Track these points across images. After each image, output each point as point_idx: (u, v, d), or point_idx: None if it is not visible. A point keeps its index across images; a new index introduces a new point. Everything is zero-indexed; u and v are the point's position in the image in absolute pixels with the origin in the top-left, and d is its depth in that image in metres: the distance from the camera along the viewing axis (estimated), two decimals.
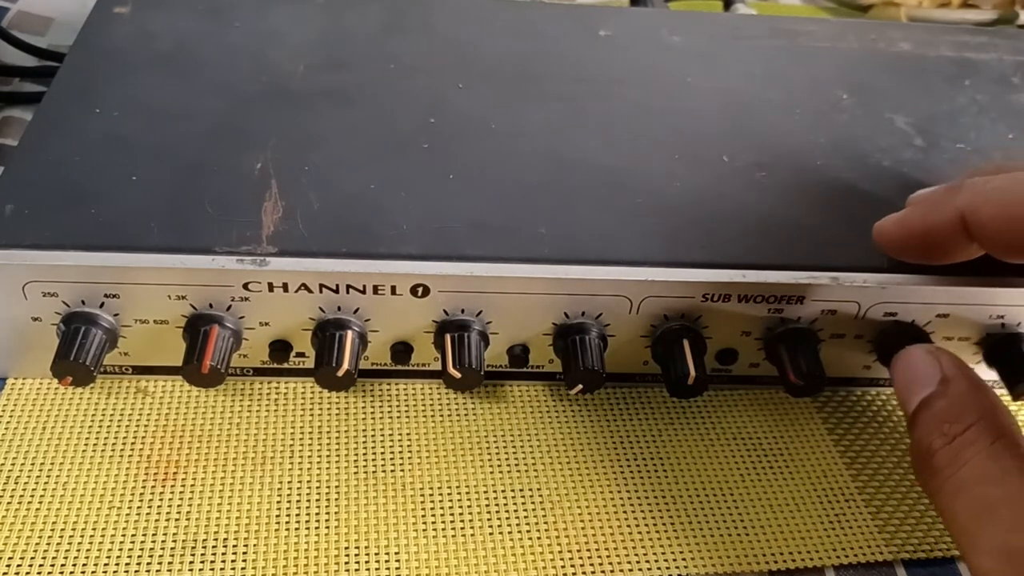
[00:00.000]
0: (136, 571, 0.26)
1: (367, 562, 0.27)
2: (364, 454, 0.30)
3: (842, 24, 0.45)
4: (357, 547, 0.28)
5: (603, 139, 0.34)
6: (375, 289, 0.28)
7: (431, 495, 0.29)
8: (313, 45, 0.37)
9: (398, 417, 0.31)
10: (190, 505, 0.28)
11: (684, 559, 0.28)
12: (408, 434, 0.31)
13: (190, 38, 0.37)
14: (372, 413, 0.31)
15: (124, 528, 0.27)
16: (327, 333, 0.29)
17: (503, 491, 0.29)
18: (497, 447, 0.31)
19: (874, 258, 0.30)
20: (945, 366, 0.27)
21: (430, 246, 0.29)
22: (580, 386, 0.30)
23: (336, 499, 0.29)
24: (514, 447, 0.31)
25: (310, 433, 0.31)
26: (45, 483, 0.28)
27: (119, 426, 0.30)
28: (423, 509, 0.29)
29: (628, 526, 0.29)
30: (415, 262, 0.28)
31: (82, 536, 0.27)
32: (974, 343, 0.32)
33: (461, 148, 0.33)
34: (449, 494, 0.29)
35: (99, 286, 0.28)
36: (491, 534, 0.28)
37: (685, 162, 0.33)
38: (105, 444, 0.30)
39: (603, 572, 0.28)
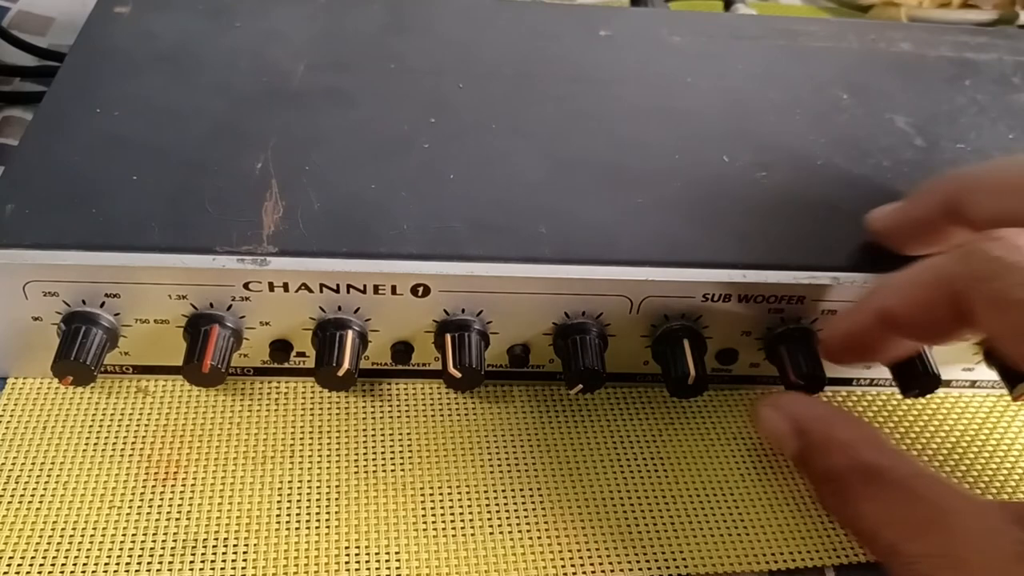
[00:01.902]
0: (136, 571, 0.26)
1: (367, 562, 0.27)
2: (364, 454, 0.30)
3: (842, 24, 0.45)
4: (357, 547, 0.28)
5: (603, 139, 0.34)
6: (375, 289, 0.28)
7: (431, 495, 0.29)
8: (313, 45, 0.37)
9: (398, 417, 0.31)
10: (190, 505, 0.28)
11: (684, 559, 0.28)
12: (408, 434, 0.31)
13: (191, 38, 0.37)
14: (372, 413, 0.31)
15: (124, 528, 0.27)
16: (327, 333, 0.29)
17: (503, 491, 0.29)
18: (497, 447, 0.31)
19: (874, 258, 0.30)
20: (795, 417, 0.27)
21: (430, 246, 0.29)
22: (580, 386, 0.30)
23: (336, 499, 0.29)
24: (514, 447, 0.31)
25: (310, 433, 0.31)
26: (45, 483, 0.28)
27: (119, 426, 0.30)
28: (423, 509, 0.29)
29: (628, 526, 0.29)
30: (415, 262, 0.28)
31: (82, 536, 0.27)
32: (973, 343, 0.32)
33: (461, 148, 0.33)
34: (449, 494, 0.29)
35: (100, 286, 0.28)
36: (491, 534, 0.28)
37: (685, 162, 0.33)
38: (106, 444, 0.30)
39: (603, 572, 0.28)
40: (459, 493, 0.29)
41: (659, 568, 0.28)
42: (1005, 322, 0.22)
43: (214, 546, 0.27)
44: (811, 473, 0.26)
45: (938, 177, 0.28)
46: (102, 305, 0.28)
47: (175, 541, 0.27)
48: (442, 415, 0.32)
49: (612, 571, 0.28)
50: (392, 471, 0.30)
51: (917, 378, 0.30)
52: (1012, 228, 0.23)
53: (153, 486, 0.29)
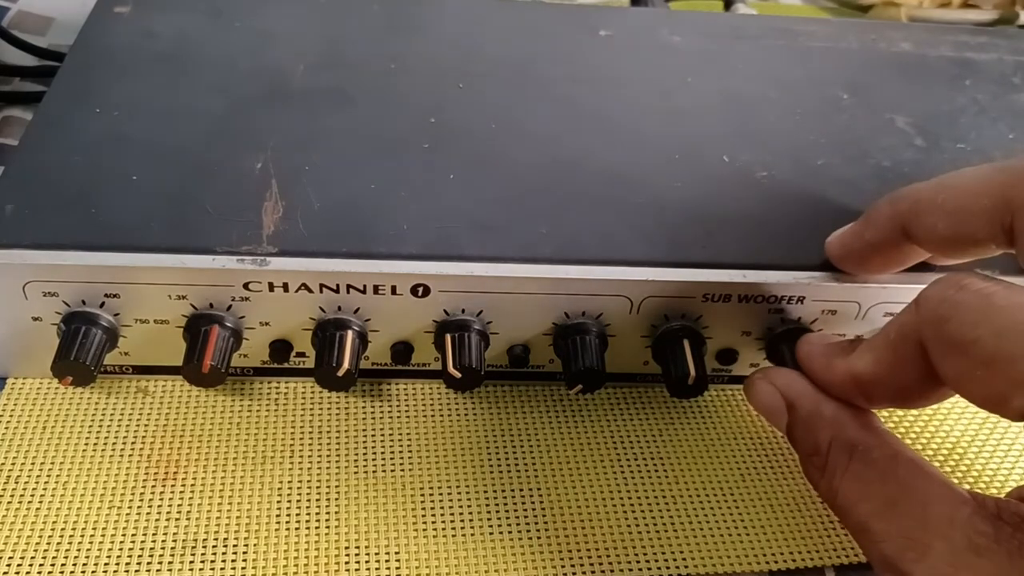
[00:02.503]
0: (136, 571, 0.26)
1: (367, 562, 0.27)
2: (364, 454, 0.30)
3: (842, 24, 0.45)
4: (357, 547, 0.28)
5: (603, 139, 0.34)
6: (375, 289, 0.28)
7: (431, 495, 0.29)
8: (313, 45, 0.37)
9: (398, 417, 0.31)
10: (190, 505, 0.28)
11: (684, 559, 0.28)
12: (408, 434, 0.31)
13: (190, 38, 0.37)
14: (372, 413, 0.31)
15: (124, 528, 0.27)
16: (327, 333, 0.29)
17: (503, 491, 0.29)
18: (497, 447, 0.31)
19: None
20: (784, 391, 0.27)
21: (430, 246, 0.29)
22: (580, 386, 0.30)
23: (336, 499, 0.29)
24: (514, 447, 0.31)
25: (310, 433, 0.31)
26: (45, 483, 0.28)
27: (119, 426, 0.30)
28: (423, 509, 0.29)
29: (628, 526, 0.29)
30: (415, 262, 0.28)
31: (82, 536, 0.27)
32: None
33: (461, 148, 0.33)
34: (449, 494, 0.29)
35: (99, 286, 0.28)
36: (491, 534, 0.28)
37: (685, 162, 0.33)
38: (105, 444, 0.30)
39: (603, 572, 0.28)
40: (459, 493, 0.29)
41: (659, 568, 0.28)
42: (960, 365, 0.22)
43: (214, 546, 0.27)
44: (797, 446, 0.26)
45: (888, 197, 0.27)
46: (102, 305, 0.28)
47: (175, 541, 0.27)
48: (442, 415, 0.32)
49: (612, 571, 0.28)
50: (392, 471, 0.30)
51: None
52: (956, 273, 0.23)
53: (153, 486, 0.29)
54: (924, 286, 0.23)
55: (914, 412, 0.33)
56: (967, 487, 0.31)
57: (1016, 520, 0.21)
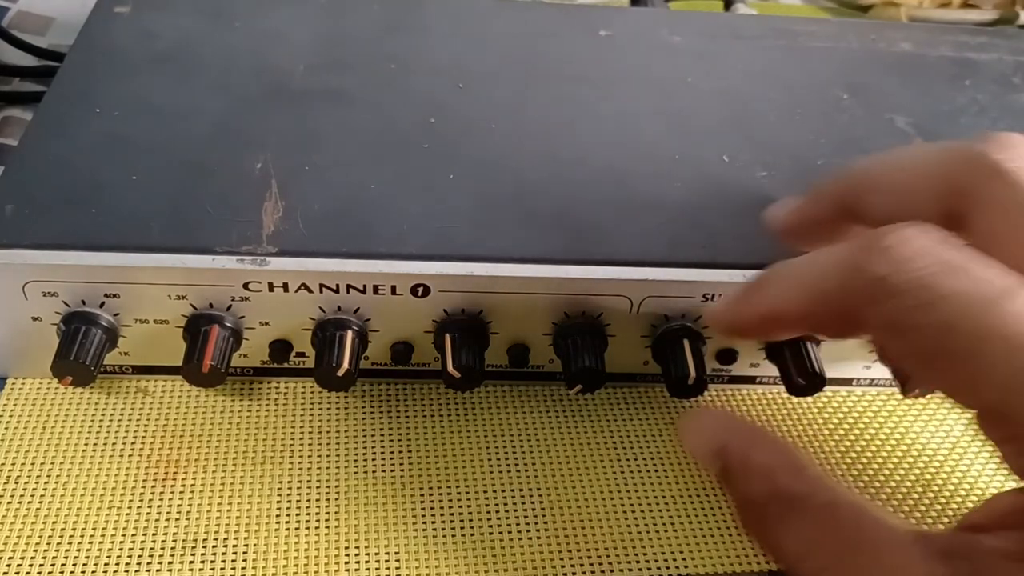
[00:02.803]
0: (136, 571, 0.26)
1: (367, 562, 0.27)
2: (364, 454, 0.30)
3: (842, 24, 0.45)
4: (357, 547, 0.28)
5: (603, 139, 0.34)
6: (375, 289, 0.28)
7: (431, 495, 0.29)
8: (313, 45, 0.37)
9: (397, 417, 0.31)
10: (190, 505, 0.28)
11: (684, 558, 0.28)
12: (408, 434, 0.31)
13: (190, 38, 0.37)
14: (372, 413, 0.31)
15: (124, 528, 0.27)
16: (327, 333, 0.29)
17: (503, 491, 0.29)
18: (497, 447, 0.31)
19: None
20: (711, 437, 0.26)
21: (430, 246, 0.29)
22: (580, 386, 0.30)
23: (336, 499, 0.29)
24: (514, 447, 0.31)
25: (310, 433, 0.31)
26: (45, 483, 0.28)
27: (119, 426, 0.30)
28: (423, 509, 0.29)
29: (628, 526, 0.29)
30: (415, 262, 0.28)
31: (82, 536, 0.27)
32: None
33: (461, 148, 0.33)
34: (449, 494, 0.29)
35: (99, 286, 0.28)
36: (491, 534, 0.28)
37: (685, 162, 0.33)
38: (105, 444, 0.30)
39: (603, 572, 0.28)
40: (459, 493, 0.29)
41: (659, 568, 0.28)
42: (904, 345, 0.21)
43: (214, 546, 0.27)
44: (732, 496, 0.25)
45: (834, 175, 0.27)
46: (102, 305, 0.28)
47: (175, 541, 0.27)
48: (442, 415, 0.32)
49: (612, 571, 0.28)
50: (392, 471, 0.30)
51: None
52: (901, 232, 0.21)
53: (153, 486, 0.29)
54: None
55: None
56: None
57: (968, 551, 0.20)
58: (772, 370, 0.31)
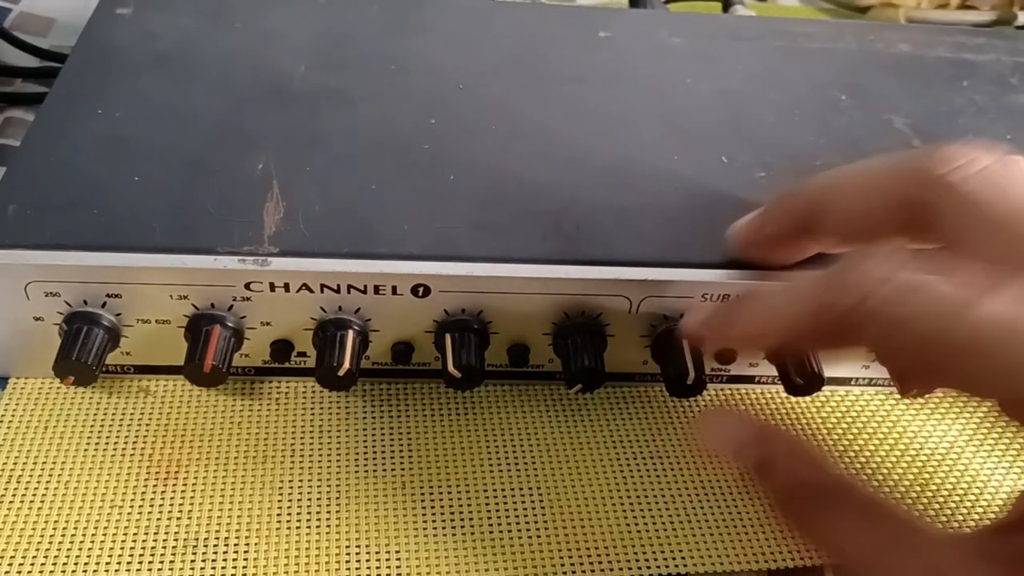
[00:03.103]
0: (137, 570, 0.27)
1: (367, 561, 0.27)
2: (364, 453, 0.30)
3: (840, 25, 0.45)
4: (357, 546, 0.28)
5: (603, 139, 0.34)
6: (376, 289, 0.28)
7: (431, 494, 0.29)
8: (314, 45, 0.38)
9: (398, 417, 0.31)
10: (191, 504, 0.28)
11: (684, 558, 0.28)
12: (408, 434, 0.31)
13: (192, 39, 0.37)
14: (372, 413, 0.32)
15: (126, 527, 0.28)
16: (328, 333, 0.29)
17: (503, 490, 0.30)
18: (497, 447, 0.31)
19: None
20: (752, 429, 0.28)
21: (430, 246, 0.29)
22: (580, 385, 0.30)
23: (337, 498, 0.29)
24: (514, 446, 0.31)
25: (311, 432, 0.31)
26: (47, 483, 0.28)
27: (121, 425, 0.30)
28: (423, 508, 0.29)
29: (627, 525, 0.29)
30: (416, 262, 0.28)
31: (84, 535, 0.27)
32: None
33: (461, 148, 0.33)
34: (449, 493, 0.29)
35: (101, 286, 0.28)
36: (491, 533, 0.28)
37: (685, 162, 0.33)
38: (107, 444, 0.30)
39: (602, 571, 0.28)
40: (459, 492, 0.29)
41: (659, 567, 0.28)
42: (895, 364, 0.23)
43: (215, 546, 0.27)
44: (772, 487, 0.26)
45: (790, 190, 0.28)
46: (104, 305, 0.28)
47: (176, 540, 0.27)
48: (442, 415, 0.32)
49: (611, 570, 0.28)
50: (392, 470, 0.30)
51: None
52: (863, 265, 0.22)
53: (154, 486, 0.29)
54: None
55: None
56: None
57: (1006, 554, 0.21)
58: (771, 369, 0.31)
